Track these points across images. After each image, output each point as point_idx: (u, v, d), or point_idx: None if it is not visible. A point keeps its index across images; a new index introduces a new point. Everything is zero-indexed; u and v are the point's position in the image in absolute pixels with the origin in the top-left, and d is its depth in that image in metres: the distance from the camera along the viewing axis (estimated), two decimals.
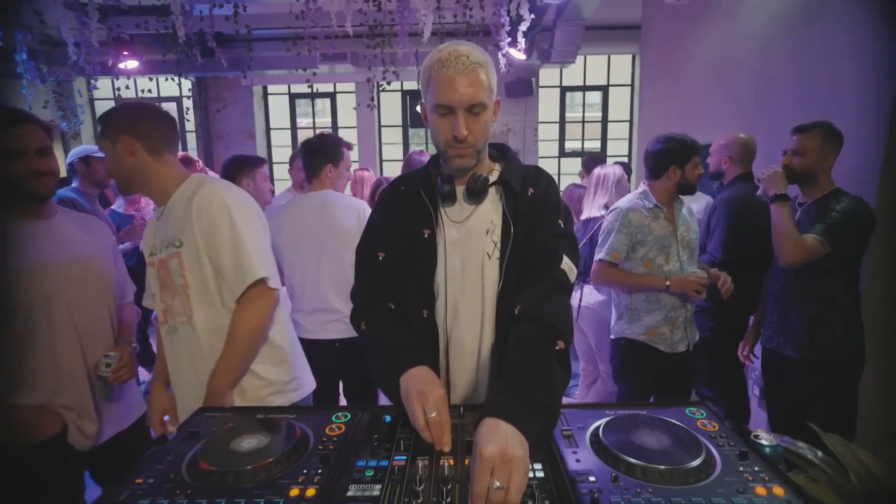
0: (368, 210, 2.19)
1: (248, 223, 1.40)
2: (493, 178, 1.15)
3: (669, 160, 2.07)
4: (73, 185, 2.91)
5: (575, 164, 6.73)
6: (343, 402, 2.37)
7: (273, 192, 3.00)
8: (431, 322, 1.14)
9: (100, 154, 2.96)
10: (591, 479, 0.77)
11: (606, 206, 2.74)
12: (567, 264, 1.06)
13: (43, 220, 1.47)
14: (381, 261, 1.15)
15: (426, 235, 1.12)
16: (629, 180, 4.97)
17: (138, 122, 1.40)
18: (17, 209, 1.43)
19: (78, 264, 1.49)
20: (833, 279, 1.91)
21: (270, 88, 7.55)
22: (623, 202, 2.18)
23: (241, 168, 2.51)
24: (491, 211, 1.14)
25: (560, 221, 1.11)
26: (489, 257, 1.12)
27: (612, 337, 2.26)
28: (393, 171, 7.09)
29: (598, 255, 2.14)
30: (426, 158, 2.96)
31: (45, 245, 1.44)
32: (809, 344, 1.94)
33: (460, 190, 1.14)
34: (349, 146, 2.31)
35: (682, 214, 2.15)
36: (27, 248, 1.41)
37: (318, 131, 7.62)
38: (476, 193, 1.11)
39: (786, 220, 1.91)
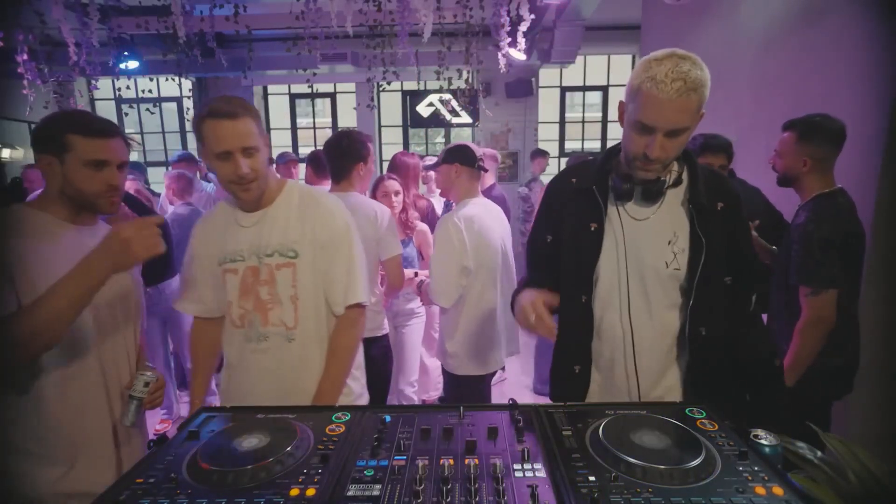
0: (387, 214, 2.17)
1: (360, 245, 1.46)
2: (672, 176, 1.15)
3: None
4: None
5: None
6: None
7: None
8: (588, 307, 1.19)
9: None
10: (591, 478, 0.77)
11: None
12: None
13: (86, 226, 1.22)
14: (548, 243, 1.26)
15: (593, 228, 1.16)
16: None
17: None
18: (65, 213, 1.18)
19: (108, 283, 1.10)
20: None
21: (270, 88, 7.55)
22: None
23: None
24: (674, 218, 1.14)
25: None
26: (667, 266, 1.13)
27: None
28: None
29: None
30: (412, 161, 2.93)
31: (62, 264, 1.06)
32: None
33: (636, 188, 1.15)
34: (370, 139, 2.31)
35: None
36: (51, 268, 1.07)
37: (318, 131, 7.70)
38: (653, 196, 1.13)
39: (801, 359, 1.70)
